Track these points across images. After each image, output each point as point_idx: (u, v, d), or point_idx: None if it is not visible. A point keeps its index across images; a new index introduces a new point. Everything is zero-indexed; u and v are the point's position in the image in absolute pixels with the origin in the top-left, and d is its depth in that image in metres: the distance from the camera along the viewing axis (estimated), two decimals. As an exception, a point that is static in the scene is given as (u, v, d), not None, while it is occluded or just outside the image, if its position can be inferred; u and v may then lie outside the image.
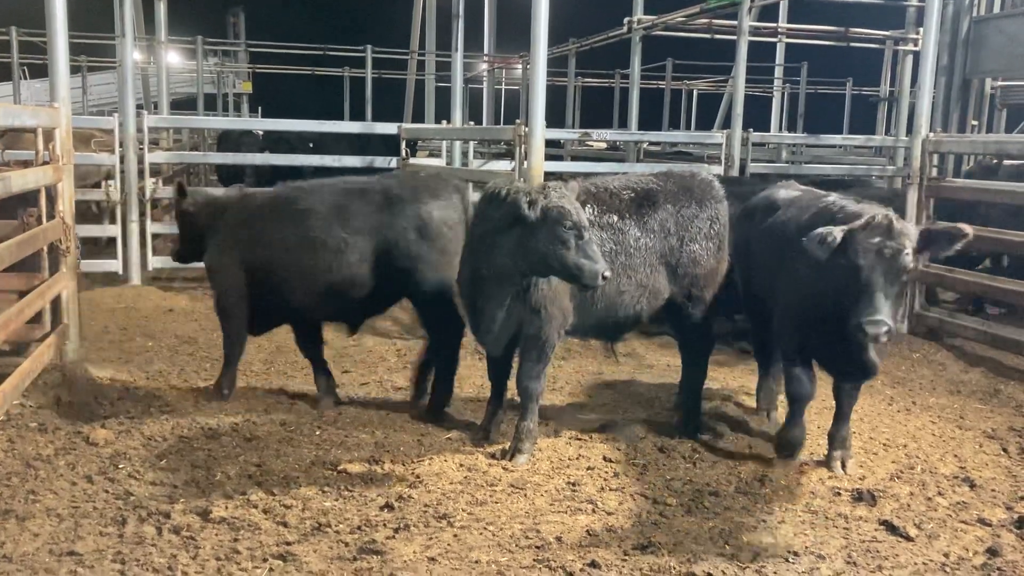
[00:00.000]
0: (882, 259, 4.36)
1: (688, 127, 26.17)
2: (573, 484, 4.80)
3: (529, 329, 5.09)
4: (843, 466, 5.07)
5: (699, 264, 5.49)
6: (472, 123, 21.19)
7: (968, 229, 4.55)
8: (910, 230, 4.46)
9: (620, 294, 5.30)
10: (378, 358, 7.39)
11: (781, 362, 5.53)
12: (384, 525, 4.22)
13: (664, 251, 5.41)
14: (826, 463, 5.11)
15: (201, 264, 6.11)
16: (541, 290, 5.01)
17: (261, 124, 16.96)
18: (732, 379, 6.96)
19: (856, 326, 4.38)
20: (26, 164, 6.73)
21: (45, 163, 5.91)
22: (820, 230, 4.51)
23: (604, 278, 4.65)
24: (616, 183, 5.54)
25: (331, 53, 23.20)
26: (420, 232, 5.65)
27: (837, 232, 4.47)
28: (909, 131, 9.93)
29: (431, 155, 15.35)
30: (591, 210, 5.25)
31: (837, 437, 5.14)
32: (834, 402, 5.19)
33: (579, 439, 5.45)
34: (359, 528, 4.18)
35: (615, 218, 5.34)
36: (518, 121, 7.70)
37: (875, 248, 4.37)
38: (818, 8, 16.28)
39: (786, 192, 5.75)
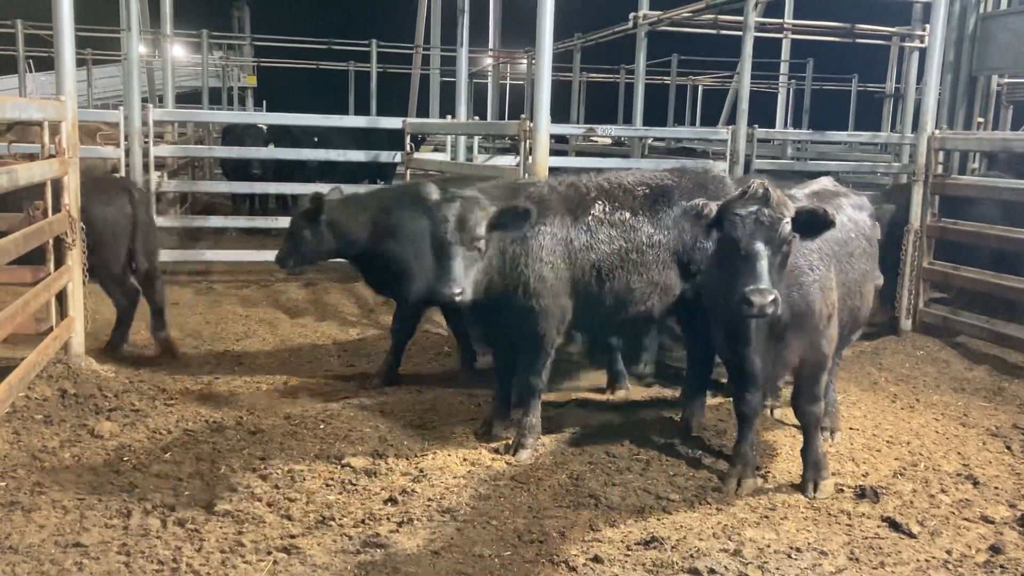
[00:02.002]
0: (761, 228, 4.07)
1: (693, 123, 26.11)
2: (576, 479, 4.82)
3: (527, 326, 5.10)
4: (815, 489, 4.70)
5: None
6: (477, 118, 21.14)
7: (834, 216, 4.18)
8: (787, 201, 4.19)
9: (630, 290, 5.30)
10: (381, 352, 7.38)
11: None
12: (388, 519, 4.24)
13: (677, 248, 5.41)
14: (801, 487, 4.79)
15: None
16: (537, 287, 5.02)
17: (266, 118, 16.97)
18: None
19: (741, 298, 4.01)
20: (32, 157, 6.74)
21: (51, 156, 5.92)
22: (695, 201, 4.29)
23: (446, 295, 4.67)
24: (631, 179, 5.53)
25: (336, 47, 23.15)
26: (86, 224, 6.43)
27: (713, 204, 4.25)
28: (915, 128, 9.90)
29: (436, 150, 15.32)
30: (602, 206, 5.25)
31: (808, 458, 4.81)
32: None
33: (581, 434, 5.46)
34: (363, 522, 4.20)
35: (627, 215, 5.33)
36: (523, 116, 7.68)
37: (752, 217, 4.08)
38: (824, 4, 16.19)
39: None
